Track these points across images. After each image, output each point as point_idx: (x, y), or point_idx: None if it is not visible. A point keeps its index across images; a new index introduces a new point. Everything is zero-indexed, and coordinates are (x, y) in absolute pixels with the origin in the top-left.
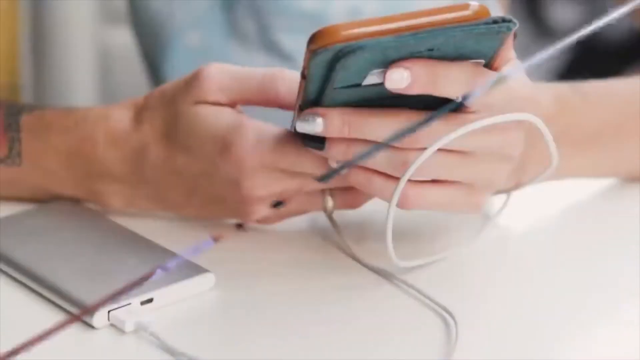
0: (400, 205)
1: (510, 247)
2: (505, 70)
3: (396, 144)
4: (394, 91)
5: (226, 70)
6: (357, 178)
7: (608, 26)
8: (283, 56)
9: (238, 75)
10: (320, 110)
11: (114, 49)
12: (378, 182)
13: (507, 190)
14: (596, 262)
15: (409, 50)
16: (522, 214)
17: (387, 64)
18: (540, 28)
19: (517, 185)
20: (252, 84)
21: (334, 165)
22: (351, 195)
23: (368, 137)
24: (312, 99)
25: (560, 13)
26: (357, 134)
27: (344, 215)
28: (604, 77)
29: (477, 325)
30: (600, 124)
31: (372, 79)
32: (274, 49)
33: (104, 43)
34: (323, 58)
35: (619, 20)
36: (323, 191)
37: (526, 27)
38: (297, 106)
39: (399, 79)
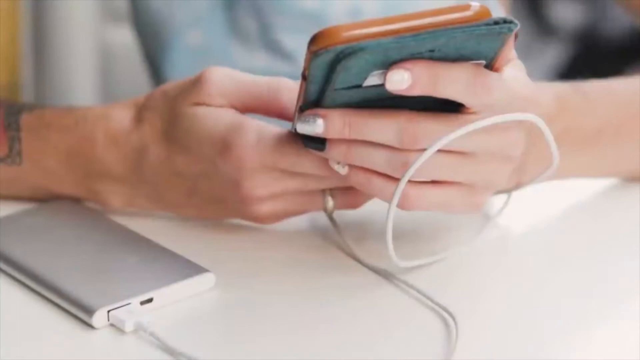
0: (400, 206)
1: (510, 247)
2: (506, 70)
3: (396, 145)
4: (394, 92)
5: (230, 75)
6: (357, 178)
7: (609, 25)
8: (284, 55)
9: (241, 82)
10: (320, 111)
11: (114, 48)
12: (378, 182)
13: (508, 190)
14: (596, 262)
15: (410, 51)
16: (522, 214)
17: (388, 65)
18: (542, 26)
19: (518, 185)
20: (255, 91)
21: (335, 166)
22: (351, 196)
23: (368, 139)
24: (312, 100)
25: (562, 12)
26: (357, 135)
27: (344, 215)
28: (604, 77)
29: (477, 325)
30: (601, 123)
31: (372, 80)
32: (274, 49)
33: (105, 42)
34: (324, 59)
35: (620, 19)
36: (323, 191)
37: (527, 26)
38: (298, 107)
39: (399, 80)
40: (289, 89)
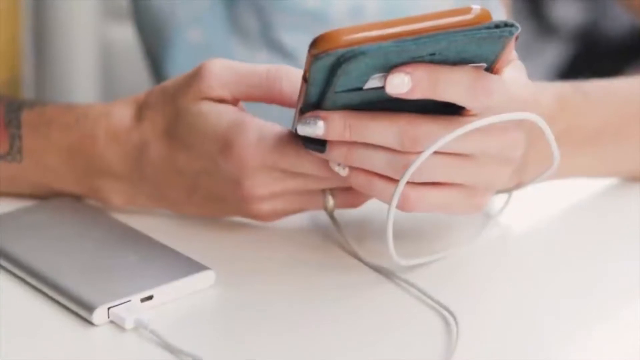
0: (401, 207)
1: (510, 247)
2: (506, 72)
3: (397, 148)
4: (395, 96)
5: (229, 65)
6: (357, 180)
7: (609, 24)
8: (285, 54)
9: (241, 71)
10: (321, 113)
11: (115, 45)
12: (379, 184)
13: (509, 190)
14: (596, 262)
15: (411, 54)
16: (523, 213)
17: (389, 68)
18: (542, 26)
19: (518, 185)
20: (255, 80)
21: (335, 167)
22: (352, 195)
23: (369, 141)
24: (313, 102)
25: (562, 11)
26: (358, 138)
27: (344, 213)
28: (604, 77)
29: (478, 325)
30: (601, 123)
31: (373, 82)
32: (275, 47)
33: (106, 39)
34: (325, 63)
35: (620, 18)
36: (324, 190)
37: (527, 25)
38: (298, 109)
39: (399, 84)
40: (289, 76)
